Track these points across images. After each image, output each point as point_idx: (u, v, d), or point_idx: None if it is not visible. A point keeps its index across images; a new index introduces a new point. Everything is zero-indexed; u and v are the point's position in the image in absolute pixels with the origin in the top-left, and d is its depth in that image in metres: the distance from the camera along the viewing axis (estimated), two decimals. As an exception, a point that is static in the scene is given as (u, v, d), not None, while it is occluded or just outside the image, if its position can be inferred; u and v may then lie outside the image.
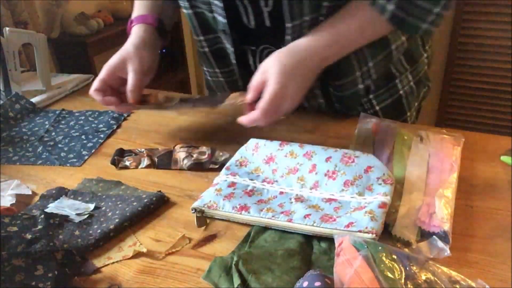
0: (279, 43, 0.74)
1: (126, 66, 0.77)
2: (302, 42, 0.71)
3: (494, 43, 2.21)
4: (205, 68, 0.94)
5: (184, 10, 0.84)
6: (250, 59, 0.84)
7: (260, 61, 0.75)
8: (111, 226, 0.59)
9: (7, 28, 0.97)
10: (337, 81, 0.82)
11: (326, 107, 0.87)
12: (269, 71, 0.68)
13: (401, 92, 0.87)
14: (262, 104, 0.67)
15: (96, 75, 0.81)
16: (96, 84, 0.77)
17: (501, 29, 2.17)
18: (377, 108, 0.86)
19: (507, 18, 2.13)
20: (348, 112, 0.86)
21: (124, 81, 0.77)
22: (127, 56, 0.78)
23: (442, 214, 0.57)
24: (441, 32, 2.30)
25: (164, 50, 0.90)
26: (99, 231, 0.58)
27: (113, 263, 0.55)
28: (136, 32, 0.82)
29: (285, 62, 0.68)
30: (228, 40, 0.80)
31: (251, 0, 0.75)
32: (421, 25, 0.70)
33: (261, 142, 0.70)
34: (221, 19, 0.77)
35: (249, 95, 0.70)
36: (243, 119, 0.69)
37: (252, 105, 0.69)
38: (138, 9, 0.87)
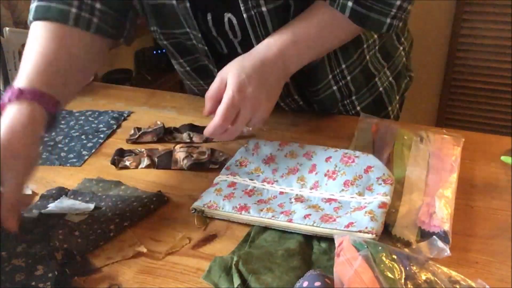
0: None
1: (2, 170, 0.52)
2: (262, 44, 0.69)
3: (494, 43, 2.21)
4: (188, 82, 0.93)
5: (159, 41, 0.82)
6: None
7: None
8: (111, 226, 0.59)
9: (7, 28, 0.97)
10: (312, 87, 0.82)
11: (307, 108, 0.87)
12: (228, 75, 0.64)
13: (381, 89, 0.87)
14: (219, 108, 0.62)
15: (96, 75, 0.81)
16: None
17: (501, 29, 2.17)
18: (358, 108, 0.86)
19: (507, 18, 2.13)
20: (330, 112, 0.86)
21: None
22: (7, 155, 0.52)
23: (442, 214, 0.57)
24: (441, 32, 2.30)
25: (164, 50, 0.89)
26: (99, 231, 0.58)
27: (113, 263, 0.55)
28: (16, 116, 0.56)
29: (244, 64, 0.65)
30: (210, 62, 0.80)
31: (221, 33, 0.76)
32: (385, 20, 0.69)
33: (261, 142, 0.70)
34: (201, 46, 0.77)
35: (207, 106, 0.65)
36: (205, 130, 0.64)
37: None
38: (32, 70, 0.62)
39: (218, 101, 0.64)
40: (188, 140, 0.80)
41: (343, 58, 0.80)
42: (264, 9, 0.69)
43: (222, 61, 0.75)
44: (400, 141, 0.71)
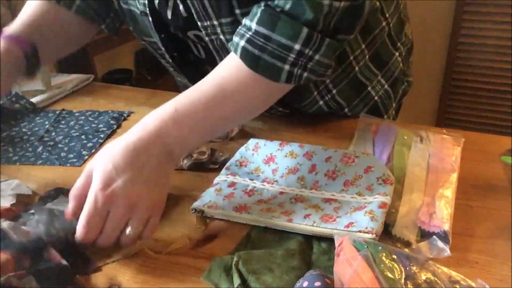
0: None
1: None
2: (137, 125, 0.57)
3: (494, 43, 2.21)
4: (178, 78, 0.94)
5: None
6: None
7: None
8: None
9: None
10: (297, 104, 0.81)
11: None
12: (94, 170, 0.53)
13: (376, 98, 0.84)
14: (81, 214, 0.51)
15: (96, 75, 0.82)
16: None
17: (501, 29, 2.17)
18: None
19: (507, 18, 2.14)
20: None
21: None
22: None
23: (442, 214, 0.57)
24: (441, 32, 2.30)
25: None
26: None
27: (113, 262, 0.55)
28: None
29: (113, 152, 0.53)
30: (184, 68, 0.81)
31: (194, 41, 0.75)
32: (281, 66, 0.58)
33: (261, 142, 0.70)
34: (167, 57, 0.78)
35: (70, 206, 0.54)
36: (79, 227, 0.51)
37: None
38: (18, 23, 0.76)
39: (83, 201, 0.52)
40: None
41: None
42: (222, 37, 0.68)
43: (201, 65, 0.76)
44: (400, 141, 0.71)
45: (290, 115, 0.85)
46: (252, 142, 0.71)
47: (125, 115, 0.91)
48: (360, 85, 0.81)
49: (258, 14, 0.59)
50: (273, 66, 0.58)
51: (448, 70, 2.36)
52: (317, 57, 0.59)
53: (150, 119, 0.57)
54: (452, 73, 2.36)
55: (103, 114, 0.92)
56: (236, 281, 0.48)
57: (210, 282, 0.50)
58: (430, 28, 2.30)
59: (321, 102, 0.81)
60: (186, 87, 0.93)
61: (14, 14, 1.90)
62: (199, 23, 0.68)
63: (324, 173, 0.63)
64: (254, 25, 0.59)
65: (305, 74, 0.60)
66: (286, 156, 0.67)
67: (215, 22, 0.66)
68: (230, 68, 0.61)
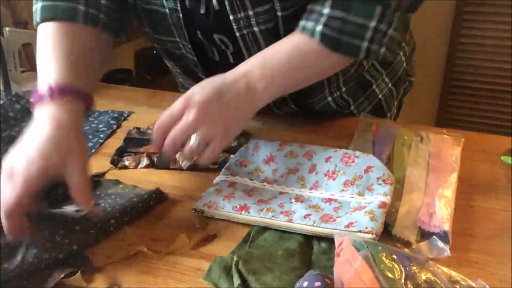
0: None
1: (64, 165, 0.54)
2: (230, 70, 0.64)
3: (494, 43, 2.21)
4: (180, 79, 0.93)
5: (152, 42, 0.81)
6: None
7: None
8: (112, 221, 0.59)
9: (7, 28, 0.97)
10: (307, 99, 0.82)
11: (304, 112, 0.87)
12: (190, 98, 0.59)
13: (380, 96, 0.86)
14: (172, 130, 0.58)
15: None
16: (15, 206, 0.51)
17: (501, 29, 2.17)
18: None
19: (507, 18, 2.13)
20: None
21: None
22: (64, 151, 0.54)
23: (442, 214, 0.57)
24: (441, 32, 2.30)
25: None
26: (99, 224, 0.58)
27: (113, 262, 0.55)
28: (59, 115, 0.57)
29: (206, 86, 0.60)
30: (199, 70, 0.80)
31: (213, 44, 0.75)
32: (361, 44, 0.63)
33: (261, 142, 0.70)
34: (190, 56, 0.77)
35: (165, 115, 0.60)
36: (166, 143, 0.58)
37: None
38: (60, 67, 0.63)
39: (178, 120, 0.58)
40: None
41: (341, 71, 0.78)
42: (256, 29, 0.69)
43: (213, 67, 0.74)
44: (400, 141, 0.71)
45: (296, 113, 0.86)
46: (252, 142, 0.71)
47: (125, 115, 0.91)
48: (366, 83, 0.83)
49: None
50: (352, 45, 0.63)
51: (448, 70, 2.36)
52: (390, 31, 0.64)
53: (240, 66, 0.64)
54: (452, 73, 2.36)
55: (103, 114, 0.92)
56: (236, 281, 0.48)
57: (210, 282, 0.50)
58: (430, 28, 2.30)
59: (329, 99, 0.82)
60: (187, 89, 0.93)
61: (14, 14, 1.90)
62: (231, 17, 0.68)
63: (324, 173, 0.63)
64: (328, 10, 0.62)
65: (382, 50, 0.64)
66: (286, 156, 0.67)
67: (250, 12, 0.67)
68: (303, 43, 0.65)
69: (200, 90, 0.60)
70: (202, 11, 0.70)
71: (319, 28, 0.62)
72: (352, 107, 0.85)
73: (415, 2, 0.67)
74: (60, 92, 0.59)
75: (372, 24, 0.62)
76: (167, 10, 0.72)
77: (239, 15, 0.68)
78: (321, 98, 0.82)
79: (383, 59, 0.66)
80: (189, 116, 0.57)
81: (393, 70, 0.87)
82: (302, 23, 0.65)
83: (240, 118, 0.63)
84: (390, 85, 0.86)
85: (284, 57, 0.64)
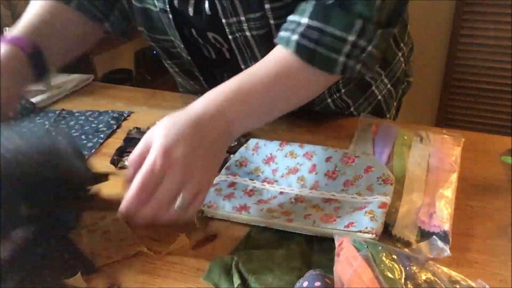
0: (240, 71, 0.65)
1: None
2: (198, 101, 0.57)
3: (494, 43, 2.21)
4: (179, 79, 0.93)
5: (147, 42, 0.82)
6: (219, 79, 0.79)
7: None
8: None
9: (7, 28, 0.97)
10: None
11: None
12: (154, 136, 0.53)
13: (379, 97, 0.86)
14: (136, 175, 0.51)
15: (96, 75, 0.81)
16: None
17: (501, 29, 2.17)
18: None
19: (507, 18, 2.13)
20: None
21: None
22: None
23: (442, 214, 0.57)
24: (441, 32, 2.30)
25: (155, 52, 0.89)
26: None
27: (113, 262, 0.55)
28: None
29: (175, 122, 0.53)
30: (195, 70, 0.80)
31: (208, 42, 0.75)
32: (336, 58, 0.59)
33: (261, 142, 0.70)
34: (184, 55, 0.77)
35: (128, 172, 0.53)
36: (120, 206, 0.51)
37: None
38: (20, 25, 0.73)
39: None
40: None
41: (342, 82, 0.79)
42: (248, 34, 0.68)
43: (209, 65, 0.75)
44: (400, 141, 0.71)
45: (296, 113, 0.85)
46: (252, 142, 0.71)
47: (125, 115, 0.91)
48: (366, 84, 0.83)
49: (310, 9, 0.60)
50: (328, 58, 0.59)
51: (448, 70, 2.36)
52: (369, 48, 0.60)
53: (213, 94, 0.57)
54: (452, 73, 2.36)
55: (103, 114, 0.92)
56: (236, 281, 0.48)
57: (210, 282, 0.50)
58: (430, 28, 2.30)
59: (329, 100, 0.82)
60: (185, 89, 0.93)
61: (14, 14, 1.90)
62: (223, 20, 0.68)
63: (324, 173, 0.63)
64: (306, 20, 0.60)
65: (358, 67, 0.61)
66: (286, 156, 0.67)
67: (242, 18, 0.66)
68: (281, 59, 0.61)
69: (179, 141, 0.52)
70: (191, 13, 0.70)
71: (295, 37, 0.59)
72: (351, 108, 0.85)
73: (396, 15, 0.63)
74: (6, 40, 0.69)
75: (351, 38, 0.58)
76: (158, 9, 0.72)
77: (231, 20, 0.68)
78: (321, 100, 0.82)
79: (359, 75, 0.63)
80: (175, 177, 0.51)
81: (392, 71, 0.86)
82: (279, 33, 0.62)
83: (221, 156, 0.58)
84: (389, 86, 0.86)
85: (264, 88, 0.59)
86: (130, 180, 0.52)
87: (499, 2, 2.13)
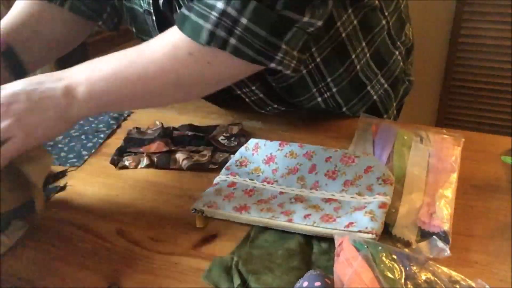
0: None
1: None
2: (57, 73, 0.60)
3: (494, 43, 2.21)
4: None
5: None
6: None
7: None
8: None
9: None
10: (293, 99, 0.80)
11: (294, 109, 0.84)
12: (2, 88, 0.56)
13: (375, 97, 0.83)
14: None
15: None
16: None
17: (501, 29, 2.17)
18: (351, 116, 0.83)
19: (507, 18, 2.13)
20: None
21: None
22: None
23: (442, 214, 0.57)
24: (441, 32, 2.30)
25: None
26: None
27: (112, 262, 0.54)
28: None
29: (21, 82, 0.57)
30: None
31: None
32: (202, 25, 0.55)
33: (261, 142, 0.70)
34: None
35: None
36: None
37: None
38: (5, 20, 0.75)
39: None
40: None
41: (327, 71, 0.76)
42: None
43: None
44: (400, 141, 0.71)
45: (286, 112, 0.85)
46: (252, 142, 0.71)
47: (125, 115, 0.91)
48: (360, 84, 0.81)
49: None
50: (197, 24, 0.55)
51: (448, 70, 2.36)
52: (243, 21, 0.54)
53: (67, 73, 0.59)
54: (452, 73, 2.36)
55: (103, 114, 0.92)
56: (236, 281, 0.48)
57: (210, 282, 0.50)
58: (430, 28, 2.30)
59: (319, 99, 0.79)
60: None
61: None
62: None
63: (324, 173, 0.63)
64: None
65: (233, 41, 0.55)
66: (286, 156, 0.67)
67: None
68: (165, 36, 0.59)
69: (12, 84, 0.56)
70: (175, 16, 0.68)
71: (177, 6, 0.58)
72: (344, 109, 0.82)
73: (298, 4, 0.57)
74: None
75: (220, 5, 0.54)
76: (143, 11, 0.72)
77: None
78: (310, 98, 0.79)
79: (242, 56, 0.56)
80: (4, 123, 0.53)
81: (389, 70, 0.84)
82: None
83: (49, 122, 0.56)
84: (386, 85, 0.84)
85: (116, 57, 0.58)
86: None
87: (499, 2, 2.13)
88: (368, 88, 0.82)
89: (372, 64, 0.81)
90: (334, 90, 0.79)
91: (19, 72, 0.73)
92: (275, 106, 0.82)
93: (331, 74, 0.77)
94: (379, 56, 0.81)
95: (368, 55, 0.79)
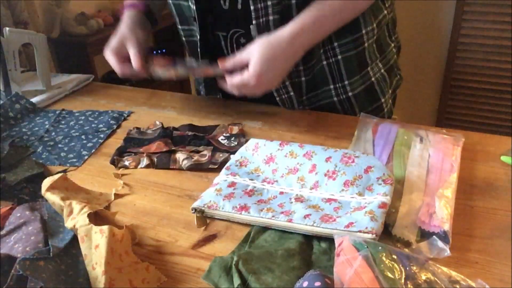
0: (248, 27, 0.80)
1: (125, 44, 0.88)
2: (284, 32, 0.76)
3: (494, 43, 2.21)
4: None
5: (169, 0, 0.91)
6: (222, 44, 0.88)
7: (232, 46, 0.86)
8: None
9: (7, 28, 0.97)
10: (312, 92, 0.89)
11: (298, 98, 0.89)
12: (253, 56, 0.75)
13: (373, 79, 0.89)
14: (235, 80, 0.76)
15: (96, 75, 0.82)
16: (110, 51, 0.88)
17: (501, 29, 2.17)
18: (350, 94, 0.88)
19: (507, 18, 2.13)
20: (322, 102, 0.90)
21: (125, 59, 0.88)
22: (124, 36, 0.89)
23: (442, 214, 0.57)
24: (441, 32, 2.30)
25: (164, 50, 0.90)
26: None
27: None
28: (128, 16, 0.94)
29: (267, 51, 0.75)
30: (197, 28, 0.86)
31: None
32: None
33: (261, 142, 0.70)
34: (191, 5, 0.83)
35: (229, 64, 0.78)
36: (228, 85, 0.77)
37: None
38: None
39: (238, 67, 0.77)
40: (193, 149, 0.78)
41: (335, 36, 0.83)
42: (271, 17, 0.78)
43: (215, 28, 0.86)
44: (400, 141, 0.71)
45: (286, 112, 0.88)
46: (252, 142, 0.71)
47: (125, 115, 0.91)
48: (363, 62, 0.87)
49: None
50: None
51: (448, 70, 2.36)
52: None
53: (299, 29, 0.76)
54: (452, 73, 2.36)
55: (103, 114, 0.92)
56: (236, 281, 0.48)
57: (210, 282, 0.50)
58: (430, 28, 2.30)
59: (324, 62, 0.86)
60: (200, 86, 1.03)
61: (14, 14, 1.90)
62: (252, 7, 0.78)
63: (324, 173, 0.63)
64: None
65: None
66: (286, 156, 0.67)
67: (269, 2, 0.77)
68: None
69: (270, 70, 0.75)
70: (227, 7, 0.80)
71: None
72: (346, 82, 0.87)
73: None
74: (127, 6, 0.95)
75: None
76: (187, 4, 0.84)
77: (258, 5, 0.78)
78: (317, 61, 0.86)
79: None
80: (251, 83, 0.75)
81: (386, 58, 0.92)
82: None
83: (285, 72, 0.79)
84: (382, 70, 0.91)
85: (332, 17, 0.77)
86: (228, 70, 0.78)
87: (499, 2, 2.13)
88: (368, 68, 0.88)
89: (375, 47, 0.88)
90: (339, 57, 0.85)
91: (155, 22, 0.98)
92: (286, 84, 0.87)
93: (338, 39, 0.84)
94: (379, 42, 0.90)
95: (375, 37, 0.87)
